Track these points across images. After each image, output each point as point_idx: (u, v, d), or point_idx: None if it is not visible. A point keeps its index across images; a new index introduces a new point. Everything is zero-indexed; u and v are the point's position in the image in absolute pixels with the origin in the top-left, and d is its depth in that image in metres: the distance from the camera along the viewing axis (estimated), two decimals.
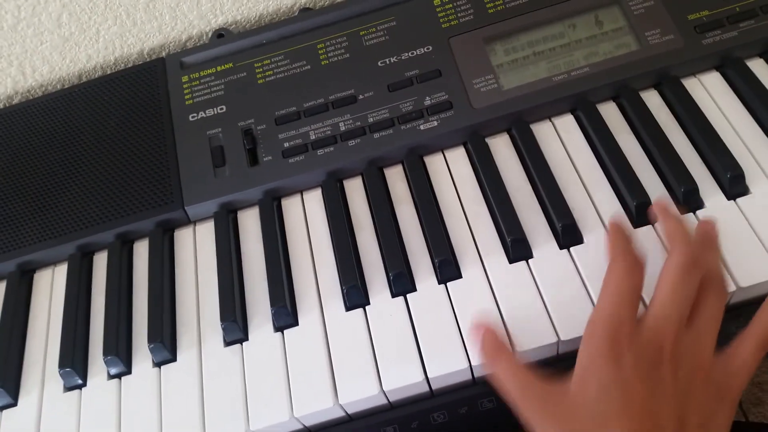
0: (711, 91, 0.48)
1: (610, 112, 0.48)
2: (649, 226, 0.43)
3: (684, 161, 0.44)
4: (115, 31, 0.57)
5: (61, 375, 0.45)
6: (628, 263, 0.36)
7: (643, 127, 0.46)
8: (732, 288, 0.39)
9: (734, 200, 0.43)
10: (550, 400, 0.34)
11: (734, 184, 0.43)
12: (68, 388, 0.46)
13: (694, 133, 0.46)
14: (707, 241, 0.39)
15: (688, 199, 0.42)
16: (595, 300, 0.40)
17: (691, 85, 0.49)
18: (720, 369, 0.35)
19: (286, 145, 0.50)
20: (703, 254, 0.37)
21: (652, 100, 0.48)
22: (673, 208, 0.41)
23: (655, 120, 0.46)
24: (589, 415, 0.33)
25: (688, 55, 0.48)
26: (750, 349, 0.36)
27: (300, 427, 0.42)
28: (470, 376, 0.41)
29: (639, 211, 0.43)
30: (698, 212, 0.43)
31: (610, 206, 0.44)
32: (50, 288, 0.51)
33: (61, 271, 0.51)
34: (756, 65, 0.49)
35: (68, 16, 0.55)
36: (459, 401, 0.41)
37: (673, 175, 0.43)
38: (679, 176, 0.43)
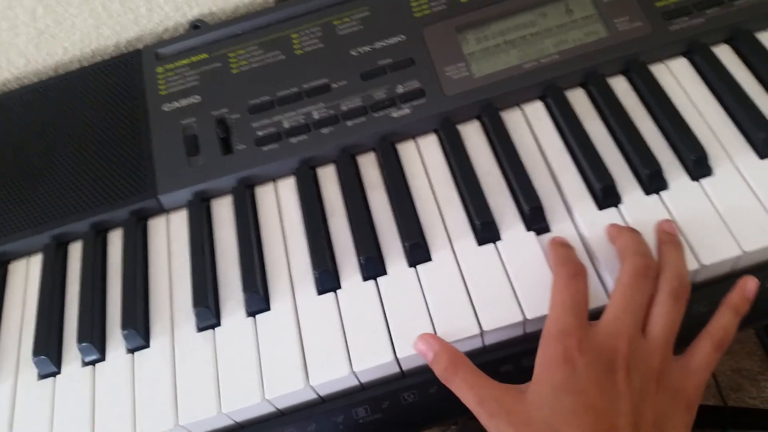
0: (678, 77, 0.49)
1: (578, 99, 0.49)
2: (614, 209, 0.43)
3: (649, 145, 0.45)
4: (91, 23, 0.58)
5: (35, 363, 0.45)
6: (569, 271, 0.38)
7: (610, 112, 0.47)
8: (695, 266, 0.40)
9: (698, 181, 0.43)
10: (506, 402, 0.35)
11: (698, 166, 0.43)
12: (42, 376, 0.46)
13: (660, 117, 0.46)
14: (668, 238, 0.40)
15: (653, 180, 0.43)
16: None
17: (659, 70, 0.49)
18: (677, 371, 0.36)
19: (260, 133, 0.51)
20: (655, 260, 0.38)
21: (620, 85, 0.49)
22: (624, 225, 0.42)
23: (622, 105, 0.47)
24: (542, 417, 0.34)
25: (656, 41, 0.49)
26: (706, 350, 0.37)
27: (272, 409, 0.42)
28: None
29: (604, 193, 0.43)
30: (662, 193, 0.43)
31: (577, 190, 0.45)
32: (25, 278, 0.51)
33: (36, 262, 0.52)
34: (722, 51, 0.49)
35: (43, 9, 0.56)
36: (430, 381, 0.42)
37: (638, 158, 0.44)
38: (643, 159, 0.44)
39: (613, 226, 0.42)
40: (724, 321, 0.38)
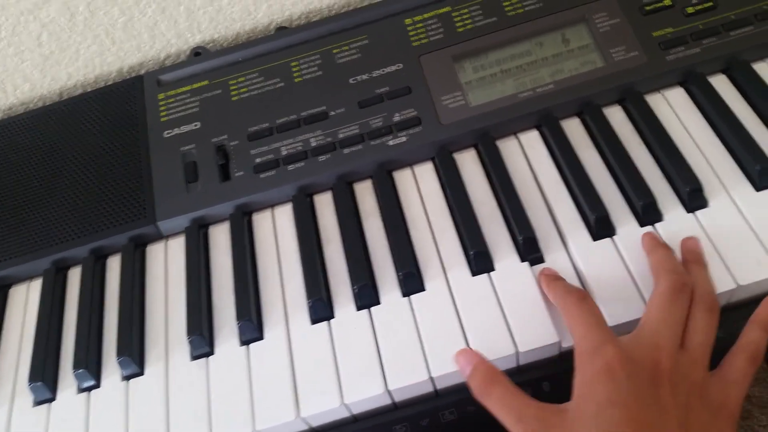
0: (674, 106, 0.49)
1: (574, 128, 0.49)
2: (609, 239, 0.43)
3: (644, 176, 0.45)
4: (95, 49, 0.59)
5: (30, 389, 0.45)
6: (577, 295, 0.38)
7: (605, 142, 0.47)
8: None
9: (693, 213, 0.43)
10: (548, 420, 0.34)
11: (693, 198, 0.43)
12: (38, 402, 0.46)
13: (655, 148, 0.46)
14: (693, 256, 0.40)
15: (647, 212, 0.43)
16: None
17: (655, 100, 0.49)
18: (715, 386, 0.36)
19: (258, 160, 0.51)
20: (690, 276, 0.38)
21: (616, 115, 0.49)
22: (660, 240, 0.42)
23: (617, 136, 0.47)
24: None
25: (652, 71, 0.49)
26: (741, 364, 0.37)
27: None
28: (432, 388, 0.41)
29: (598, 224, 0.43)
30: (657, 225, 0.43)
31: (572, 220, 0.45)
32: (25, 302, 0.52)
33: (37, 286, 0.52)
34: (718, 81, 0.49)
35: (48, 35, 0.57)
36: (421, 414, 0.41)
37: (632, 189, 0.44)
38: (637, 191, 0.44)
39: (649, 236, 0.42)
40: (753, 336, 0.38)
